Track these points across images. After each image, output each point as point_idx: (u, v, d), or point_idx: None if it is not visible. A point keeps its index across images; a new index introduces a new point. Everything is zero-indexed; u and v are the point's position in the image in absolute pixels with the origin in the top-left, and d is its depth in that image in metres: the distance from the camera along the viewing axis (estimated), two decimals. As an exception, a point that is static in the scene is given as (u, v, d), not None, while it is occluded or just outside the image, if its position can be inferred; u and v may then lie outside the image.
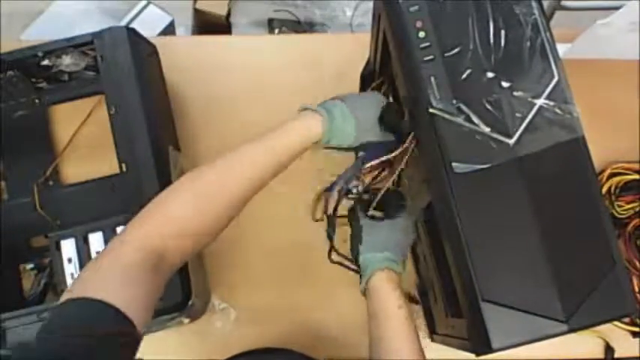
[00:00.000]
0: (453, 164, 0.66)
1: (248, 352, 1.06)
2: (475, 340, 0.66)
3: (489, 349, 0.63)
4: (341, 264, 0.90)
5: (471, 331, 0.68)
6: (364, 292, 0.82)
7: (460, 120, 0.67)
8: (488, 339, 0.62)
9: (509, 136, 0.66)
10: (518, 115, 0.67)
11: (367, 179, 0.89)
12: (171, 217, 0.70)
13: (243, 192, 0.75)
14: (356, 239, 0.84)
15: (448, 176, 0.66)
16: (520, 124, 0.66)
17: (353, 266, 0.88)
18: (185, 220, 0.70)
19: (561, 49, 0.70)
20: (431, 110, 0.67)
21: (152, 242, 0.67)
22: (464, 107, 0.67)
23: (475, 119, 0.67)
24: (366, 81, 1.04)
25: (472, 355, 0.69)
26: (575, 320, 0.62)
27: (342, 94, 0.83)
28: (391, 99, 0.89)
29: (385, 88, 0.94)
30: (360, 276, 0.83)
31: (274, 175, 0.77)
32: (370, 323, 0.79)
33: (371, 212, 0.87)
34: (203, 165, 0.77)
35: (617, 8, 1.00)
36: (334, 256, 0.90)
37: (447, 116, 0.67)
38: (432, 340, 1.00)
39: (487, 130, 0.66)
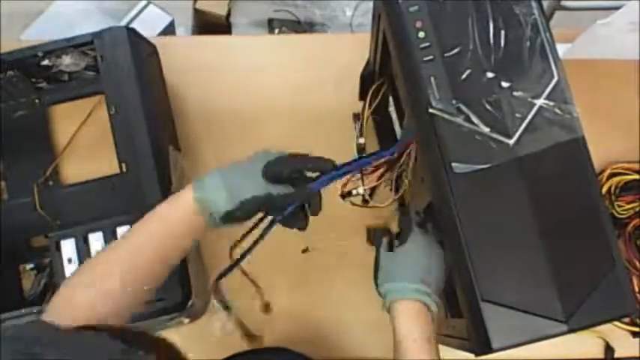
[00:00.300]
0: (453, 164, 0.66)
1: (247, 352, 1.06)
2: (475, 340, 0.66)
3: (489, 349, 0.63)
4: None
5: (470, 331, 0.68)
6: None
7: (460, 120, 0.67)
8: (488, 339, 0.62)
9: (509, 137, 0.66)
10: (518, 115, 0.67)
11: (369, 181, 0.88)
12: (80, 307, 0.68)
13: (146, 268, 0.71)
14: (375, 272, 0.81)
15: (448, 176, 0.66)
16: (520, 125, 0.66)
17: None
18: (94, 307, 0.68)
19: (561, 49, 0.70)
20: (431, 110, 0.67)
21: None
22: (464, 107, 0.67)
23: (475, 119, 0.67)
24: (366, 81, 1.04)
25: (472, 355, 0.69)
26: (575, 320, 0.62)
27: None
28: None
29: (385, 89, 0.95)
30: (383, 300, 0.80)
31: (176, 249, 0.74)
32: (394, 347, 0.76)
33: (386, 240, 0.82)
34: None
35: (617, 8, 1.00)
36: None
37: (446, 116, 0.67)
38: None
39: (487, 130, 0.66)
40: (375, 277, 0.81)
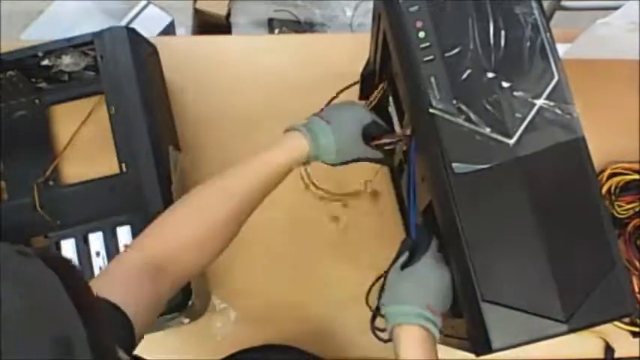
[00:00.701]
0: (453, 164, 0.66)
1: (249, 349, 1.06)
2: (475, 340, 0.66)
3: (489, 350, 0.63)
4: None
5: (470, 331, 0.68)
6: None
7: (460, 120, 0.67)
8: (488, 339, 0.62)
9: (509, 137, 0.66)
10: (518, 115, 0.67)
11: None
12: (171, 230, 0.74)
13: (238, 210, 0.78)
14: (382, 289, 0.79)
15: (448, 176, 0.66)
16: (520, 125, 0.66)
17: None
18: (184, 233, 0.74)
19: (561, 49, 0.70)
20: (431, 110, 0.67)
21: (151, 251, 0.71)
22: (464, 107, 0.67)
23: (475, 119, 0.67)
24: (366, 81, 1.04)
25: (472, 355, 0.69)
26: (575, 320, 0.62)
27: (327, 108, 0.88)
28: (374, 115, 0.89)
29: (385, 89, 0.94)
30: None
31: (265, 194, 0.81)
32: None
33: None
34: (203, 182, 0.79)
35: (617, 8, 1.00)
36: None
37: (447, 116, 0.67)
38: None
39: (487, 130, 0.66)
40: (381, 293, 0.78)
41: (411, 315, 0.71)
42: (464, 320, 0.70)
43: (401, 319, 0.72)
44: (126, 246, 0.86)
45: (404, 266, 0.76)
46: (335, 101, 0.96)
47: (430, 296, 0.72)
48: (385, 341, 0.78)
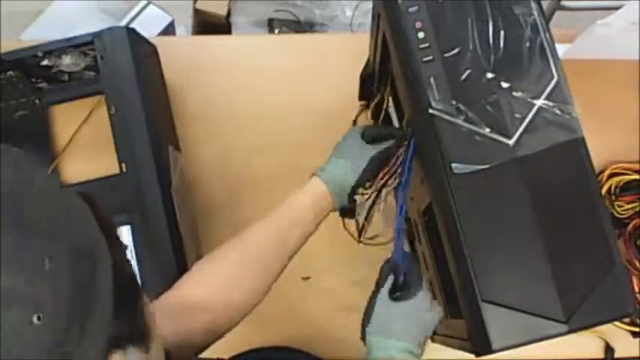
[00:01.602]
0: (453, 165, 0.66)
1: (253, 350, 1.06)
2: (475, 340, 0.66)
3: (489, 350, 0.63)
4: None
5: (470, 331, 0.68)
6: None
7: (460, 120, 0.67)
8: (488, 339, 0.62)
9: (509, 137, 0.66)
10: (517, 115, 0.67)
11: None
12: (214, 271, 0.77)
13: (277, 261, 0.79)
14: (366, 315, 0.77)
15: (448, 177, 0.65)
16: (520, 125, 0.66)
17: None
18: (229, 272, 0.77)
19: (561, 49, 0.70)
20: (430, 111, 0.67)
21: (187, 291, 0.74)
22: (463, 108, 0.67)
23: (475, 120, 0.67)
24: (366, 81, 1.04)
25: (472, 355, 0.69)
26: (575, 320, 0.62)
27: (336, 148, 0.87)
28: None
29: (384, 89, 0.94)
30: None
31: (301, 244, 0.82)
32: None
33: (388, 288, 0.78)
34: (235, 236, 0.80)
35: (616, 8, 1.00)
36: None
37: (446, 117, 0.67)
38: (432, 340, 1.00)
39: (487, 130, 0.66)
40: (365, 318, 0.76)
41: (399, 350, 0.72)
42: (464, 321, 0.70)
43: (386, 353, 0.72)
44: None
45: (395, 297, 0.76)
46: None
47: (421, 332, 0.74)
48: None
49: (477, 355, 0.67)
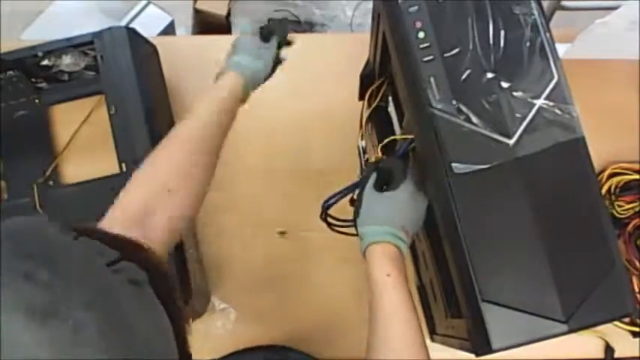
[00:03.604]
0: (453, 164, 0.65)
1: (248, 349, 1.06)
2: (475, 340, 0.66)
3: (489, 350, 0.63)
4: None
5: (471, 331, 0.68)
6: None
7: (460, 120, 0.67)
8: (488, 339, 0.62)
9: (509, 137, 0.66)
10: (517, 115, 0.67)
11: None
12: (148, 179, 0.79)
13: (208, 136, 0.83)
14: (356, 210, 0.80)
15: (448, 176, 0.65)
16: (520, 125, 0.66)
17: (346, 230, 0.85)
18: (161, 174, 0.78)
19: (561, 49, 0.70)
20: (430, 110, 0.67)
21: (132, 206, 0.74)
22: (463, 107, 0.67)
23: (475, 119, 0.67)
24: (366, 81, 1.04)
25: (472, 355, 0.69)
26: (575, 320, 0.62)
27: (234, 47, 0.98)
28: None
29: (384, 89, 0.95)
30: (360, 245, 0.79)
31: (225, 124, 0.87)
32: (368, 298, 0.75)
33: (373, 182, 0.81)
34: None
35: (616, 8, 1.00)
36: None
37: (446, 116, 0.67)
38: (432, 340, 1.00)
39: (487, 130, 0.66)
40: (357, 214, 0.79)
41: (387, 234, 0.75)
42: (464, 320, 0.70)
43: (377, 238, 0.75)
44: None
45: (382, 189, 0.78)
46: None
47: (407, 219, 0.76)
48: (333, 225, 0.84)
49: (477, 355, 0.67)
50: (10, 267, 0.37)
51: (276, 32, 0.98)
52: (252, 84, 0.93)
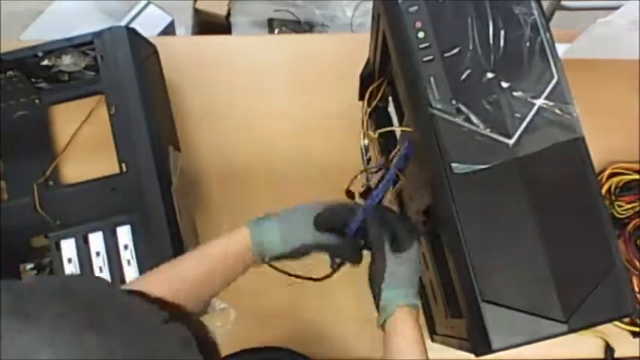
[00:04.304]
0: (453, 165, 0.65)
1: (246, 350, 1.06)
2: (475, 340, 0.66)
3: (489, 350, 0.62)
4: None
5: (470, 331, 0.68)
6: (381, 327, 0.78)
7: (459, 120, 0.67)
8: (488, 339, 0.62)
9: (509, 137, 0.66)
10: (517, 115, 0.67)
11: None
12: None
13: (199, 294, 0.79)
14: (377, 274, 0.78)
15: (447, 177, 0.65)
16: (520, 125, 0.66)
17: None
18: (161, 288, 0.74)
19: (561, 49, 0.70)
20: (430, 110, 0.67)
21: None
22: (463, 107, 0.67)
23: (474, 119, 0.67)
24: (365, 81, 1.04)
25: (472, 355, 0.69)
26: (576, 320, 0.62)
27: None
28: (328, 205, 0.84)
29: (384, 89, 0.95)
30: (378, 310, 0.78)
31: (225, 279, 0.81)
32: (385, 355, 0.76)
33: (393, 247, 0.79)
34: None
35: (617, 8, 1.00)
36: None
37: (446, 116, 0.67)
38: (432, 340, 1.00)
39: (487, 130, 0.66)
40: (377, 279, 0.78)
41: (410, 296, 0.76)
42: (463, 320, 0.70)
43: (402, 301, 0.75)
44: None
45: (394, 250, 0.78)
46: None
47: (417, 275, 0.78)
48: None
49: (477, 355, 0.67)
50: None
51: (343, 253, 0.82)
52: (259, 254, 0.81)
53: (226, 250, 0.80)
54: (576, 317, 0.62)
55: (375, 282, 0.78)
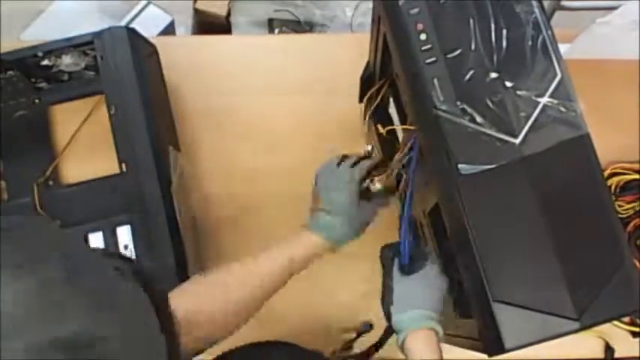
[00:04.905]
0: (459, 166, 0.65)
1: (248, 345, 1.06)
2: (487, 340, 0.65)
3: (502, 350, 0.62)
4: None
5: (482, 331, 0.67)
6: (401, 349, 0.78)
7: (465, 121, 0.67)
8: (500, 339, 0.62)
9: (515, 136, 0.66)
10: (522, 114, 0.67)
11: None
12: (203, 297, 0.78)
13: (259, 294, 0.82)
14: (387, 298, 0.79)
15: (455, 178, 0.65)
16: (525, 124, 0.66)
17: None
18: (211, 306, 0.78)
19: (561, 49, 0.70)
20: (435, 112, 0.67)
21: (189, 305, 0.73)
22: (468, 108, 0.67)
23: (480, 120, 0.67)
24: (366, 84, 1.04)
25: (477, 355, 0.69)
26: (587, 317, 0.62)
27: (319, 191, 0.86)
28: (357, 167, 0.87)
29: (385, 90, 0.94)
30: (396, 333, 0.78)
31: (284, 281, 0.84)
32: None
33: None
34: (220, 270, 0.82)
35: (616, 8, 1.00)
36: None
37: (451, 117, 0.67)
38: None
39: (492, 130, 0.66)
40: (386, 301, 0.78)
41: (427, 319, 0.75)
42: (474, 320, 0.69)
43: (417, 324, 0.75)
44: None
45: (406, 272, 0.78)
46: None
47: (439, 299, 0.76)
48: None
49: (490, 355, 0.66)
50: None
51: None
52: (337, 243, 0.85)
53: (292, 259, 0.82)
54: (588, 314, 0.62)
55: (385, 303, 0.79)
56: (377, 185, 0.86)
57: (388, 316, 0.78)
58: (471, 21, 0.70)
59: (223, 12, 2.01)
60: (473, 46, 0.69)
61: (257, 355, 1.04)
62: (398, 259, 0.80)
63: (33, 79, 1.12)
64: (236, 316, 0.80)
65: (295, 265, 0.82)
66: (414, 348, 0.74)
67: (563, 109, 0.67)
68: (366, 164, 0.86)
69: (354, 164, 0.85)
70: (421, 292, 0.76)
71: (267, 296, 0.82)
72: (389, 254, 0.81)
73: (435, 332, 0.75)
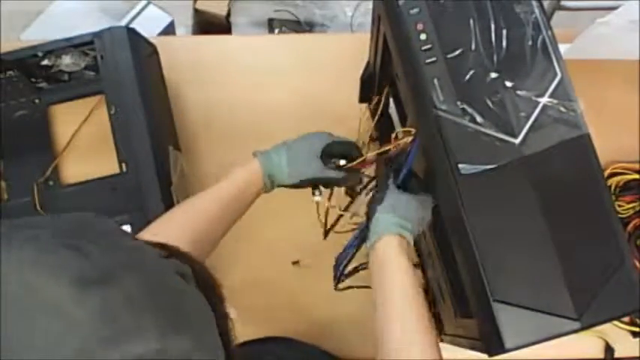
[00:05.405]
0: (459, 165, 0.65)
1: (251, 341, 1.06)
2: (488, 340, 0.66)
3: (503, 349, 0.62)
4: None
5: (483, 331, 0.67)
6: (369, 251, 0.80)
7: (465, 121, 0.67)
8: (501, 339, 0.62)
9: (515, 136, 0.66)
10: (522, 114, 0.67)
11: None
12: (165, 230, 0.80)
13: (206, 233, 0.82)
14: (377, 201, 0.80)
15: (455, 178, 0.65)
16: (525, 124, 0.66)
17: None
18: (175, 233, 0.78)
19: (561, 49, 0.70)
20: (435, 112, 0.67)
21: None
22: (468, 108, 0.67)
23: (480, 120, 0.67)
24: (366, 84, 1.04)
25: (477, 355, 0.69)
26: (587, 317, 0.62)
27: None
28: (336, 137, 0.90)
29: (385, 91, 0.94)
30: (369, 236, 0.79)
31: (234, 216, 0.86)
32: (373, 288, 0.76)
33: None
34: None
35: (616, 8, 1.00)
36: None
37: (451, 117, 0.67)
38: (441, 340, 0.99)
39: (492, 130, 0.66)
40: (376, 199, 0.80)
41: (404, 227, 0.76)
42: (474, 320, 0.69)
43: (396, 228, 0.76)
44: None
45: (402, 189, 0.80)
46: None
47: (421, 221, 0.78)
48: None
49: (490, 355, 0.66)
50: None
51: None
52: (271, 174, 0.88)
53: (241, 181, 0.85)
54: (588, 314, 0.62)
55: (372, 205, 0.80)
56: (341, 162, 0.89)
57: (371, 214, 0.79)
58: (471, 21, 0.70)
59: (223, 12, 2.01)
60: (473, 46, 0.69)
61: (257, 349, 1.05)
62: (396, 177, 0.81)
63: (33, 79, 1.12)
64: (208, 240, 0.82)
65: (240, 185, 0.85)
66: (387, 247, 0.76)
67: (563, 109, 0.67)
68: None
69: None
70: (411, 207, 0.78)
71: (230, 218, 0.85)
72: (389, 172, 0.82)
73: (407, 242, 0.76)
